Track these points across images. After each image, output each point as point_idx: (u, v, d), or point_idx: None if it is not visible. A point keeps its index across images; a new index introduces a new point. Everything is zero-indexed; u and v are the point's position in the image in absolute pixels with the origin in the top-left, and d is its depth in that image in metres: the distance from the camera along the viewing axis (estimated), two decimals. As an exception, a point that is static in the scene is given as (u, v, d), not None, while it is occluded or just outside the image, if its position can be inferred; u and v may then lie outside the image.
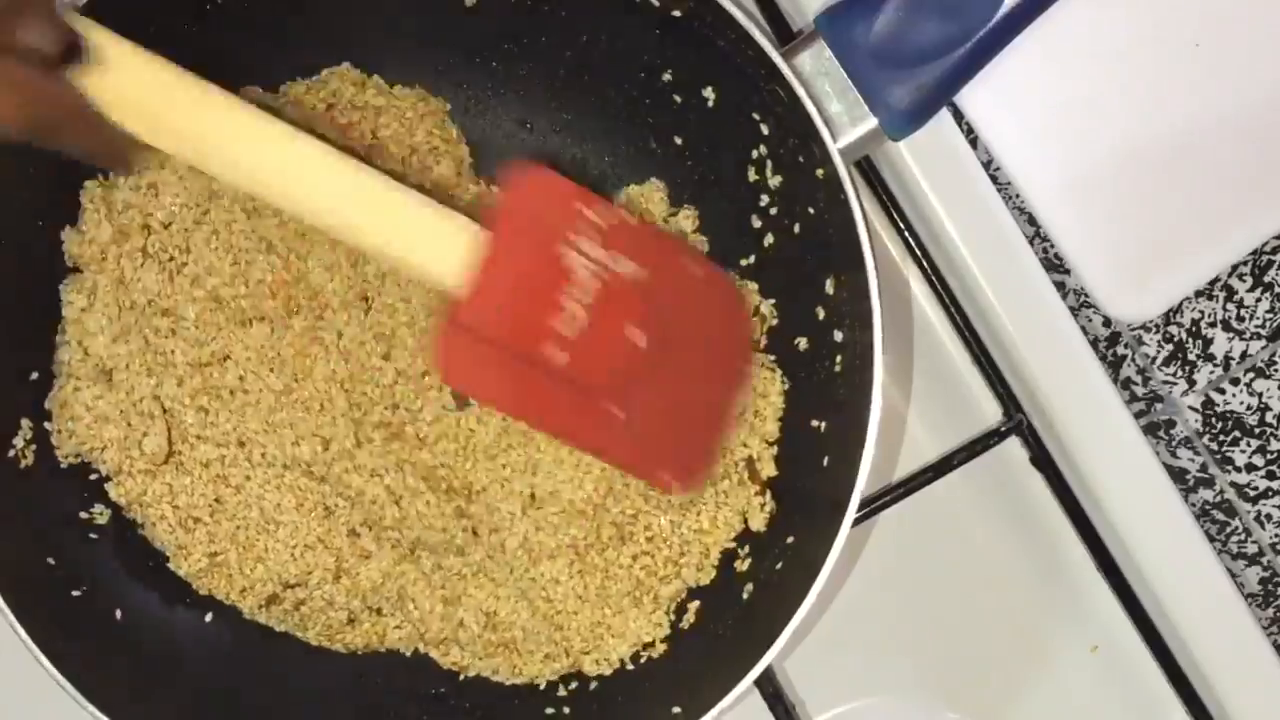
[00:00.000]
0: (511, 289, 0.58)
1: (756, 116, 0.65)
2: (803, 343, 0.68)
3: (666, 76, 0.68)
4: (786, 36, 0.68)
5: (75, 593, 0.66)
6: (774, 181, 0.66)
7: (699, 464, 0.65)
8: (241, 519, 0.67)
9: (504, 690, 0.69)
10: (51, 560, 0.66)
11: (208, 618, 0.69)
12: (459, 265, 0.58)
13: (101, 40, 0.52)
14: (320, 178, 0.57)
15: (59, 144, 0.54)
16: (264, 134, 0.56)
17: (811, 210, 0.65)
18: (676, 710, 0.64)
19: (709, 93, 0.67)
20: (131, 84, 0.53)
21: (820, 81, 0.62)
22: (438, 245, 0.58)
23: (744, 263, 0.69)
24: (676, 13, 0.64)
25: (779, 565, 0.66)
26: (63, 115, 0.51)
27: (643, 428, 0.62)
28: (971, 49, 0.61)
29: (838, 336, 0.65)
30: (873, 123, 0.62)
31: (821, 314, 0.66)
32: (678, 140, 0.70)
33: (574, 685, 0.69)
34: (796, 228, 0.66)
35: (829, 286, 0.65)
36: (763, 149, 0.66)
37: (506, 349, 0.59)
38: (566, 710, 0.69)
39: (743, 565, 0.68)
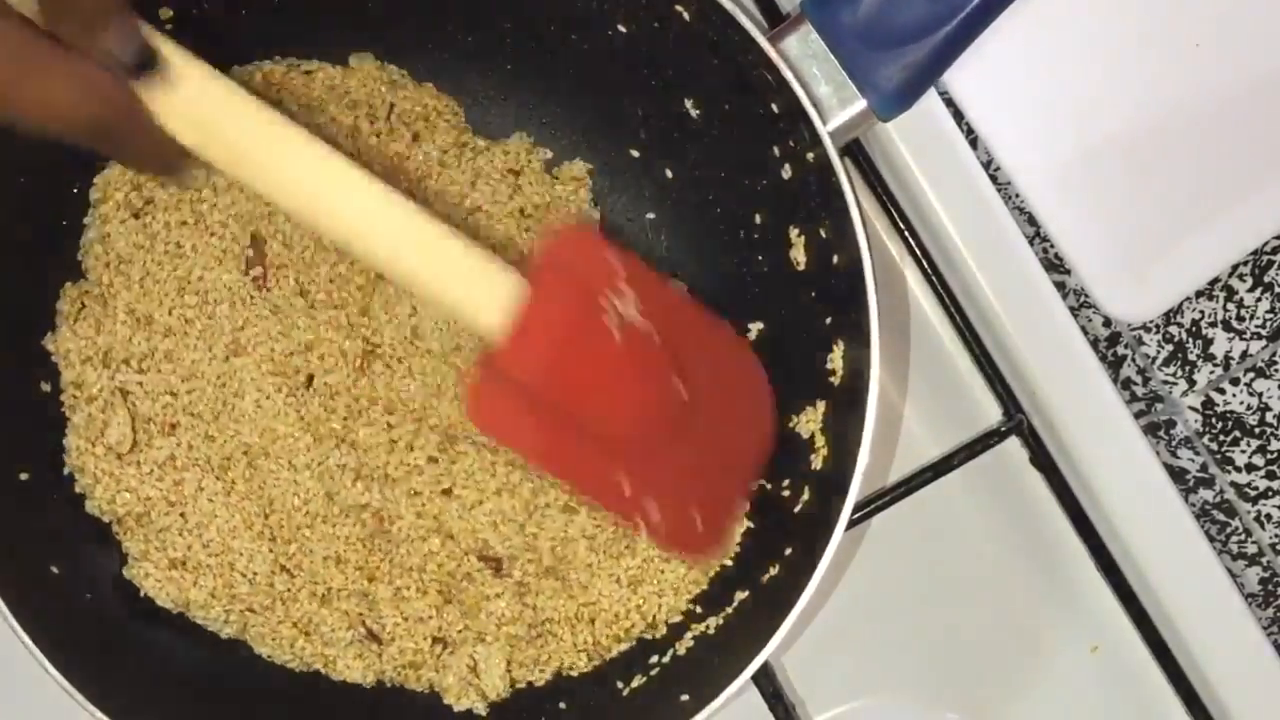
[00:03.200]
0: (550, 339, 0.59)
1: (745, 103, 0.65)
2: (798, 338, 0.67)
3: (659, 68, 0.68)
4: (776, 20, 0.68)
5: (80, 599, 0.66)
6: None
7: (714, 534, 0.65)
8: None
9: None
10: (55, 569, 0.66)
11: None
12: (501, 312, 0.58)
13: (174, 57, 0.53)
14: (376, 215, 0.57)
15: (114, 149, 0.55)
16: (323, 166, 0.56)
17: (803, 195, 0.64)
18: (685, 698, 0.64)
19: (696, 81, 0.66)
20: (196, 101, 0.53)
21: (808, 64, 0.62)
22: (482, 290, 0.58)
23: (736, 253, 0.69)
24: None
25: (776, 562, 0.66)
26: (125, 122, 0.52)
27: (662, 496, 0.62)
28: (957, 26, 0.61)
29: (832, 330, 0.65)
30: (861, 104, 0.62)
31: (816, 307, 0.66)
32: (664, 129, 0.69)
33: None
34: (788, 215, 0.66)
35: (823, 276, 0.65)
36: (752, 136, 0.66)
37: (539, 398, 0.59)
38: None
39: (739, 563, 0.68)
